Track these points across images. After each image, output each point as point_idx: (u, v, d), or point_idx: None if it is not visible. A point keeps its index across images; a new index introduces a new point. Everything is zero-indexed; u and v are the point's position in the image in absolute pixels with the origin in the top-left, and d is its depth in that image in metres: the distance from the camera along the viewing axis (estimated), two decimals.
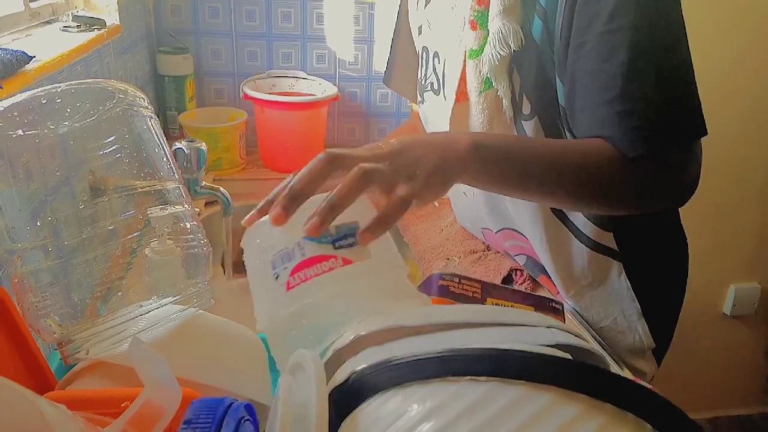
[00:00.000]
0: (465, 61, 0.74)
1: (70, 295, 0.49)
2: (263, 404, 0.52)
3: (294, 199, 0.48)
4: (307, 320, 0.46)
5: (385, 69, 1.04)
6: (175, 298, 0.52)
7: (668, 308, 0.90)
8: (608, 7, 0.61)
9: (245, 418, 0.38)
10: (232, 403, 0.37)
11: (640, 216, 0.78)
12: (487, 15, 0.69)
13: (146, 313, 0.50)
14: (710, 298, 1.89)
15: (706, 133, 0.65)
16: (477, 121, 0.75)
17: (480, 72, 0.72)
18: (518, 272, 0.92)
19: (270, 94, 1.31)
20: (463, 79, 0.75)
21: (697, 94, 0.65)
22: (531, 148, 0.64)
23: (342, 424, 0.35)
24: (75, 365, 0.50)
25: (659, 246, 0.87)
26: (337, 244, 0.46)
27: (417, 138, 0.57)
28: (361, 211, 0.49)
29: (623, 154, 0.64)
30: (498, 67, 0.70)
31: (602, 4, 0.62)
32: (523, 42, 0.68)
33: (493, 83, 0.72)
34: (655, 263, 0.86)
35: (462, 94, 0.76)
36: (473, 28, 0.71)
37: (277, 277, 0.47)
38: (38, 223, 0.49)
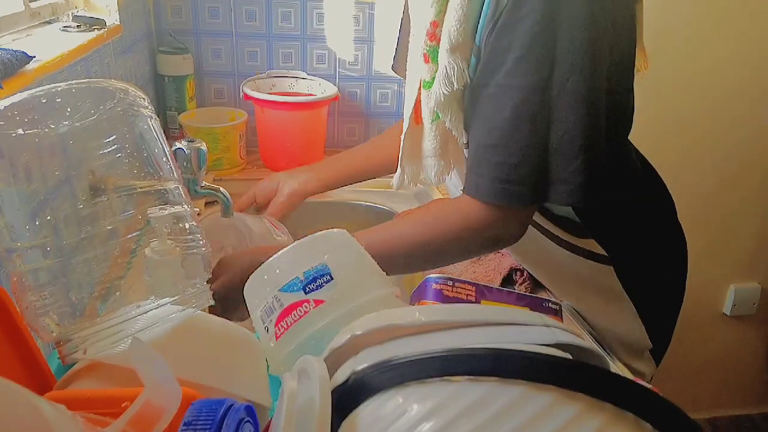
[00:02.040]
0: (420, 89, 0.75)
1: (69, 294, 0.49)
2: (262, 405, 0.52)
3: None
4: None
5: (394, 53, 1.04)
6: (173, 299, 0.52)
7: (666, 309, 0.90)
8: (508, 63, 0.65)
9: (245, 420, 0.38)
10: (232, 405, 0.37)
11: (624, 220, 0.79)
12: (438, 50, 0.70)
13: (144, 313, 0.50)
14: (710, 298, 1.89)
15: (547, 201, 0.68)
16: (430, 146, 0.77)
17: (429, 103, 0.74)
18: (518, 272, 0.92)
19: (270, 94, 1.31)
20: (418, 103, 0.77)
21: (572, 163, 0.66)
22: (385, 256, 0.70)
23: (342, 423, 0.35)
24: (74, 365, 0.50)
25: (652, 247, 0.86)
26: (307, 289, 0.50)
27: None
28: (329, 249, 0.52)
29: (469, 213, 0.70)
30: (444, 103, 0.72)
31: (506, 57, 0.65)
32: (469, 80, 0.70)
33: (440, 116, 0.73)
34: (649, 264, 0.86)
35: (418, 117, 0.78)
36: (425, 61, 0.72)
37: (267, 330, 0.51)
38: (37, 222, 0.49)
